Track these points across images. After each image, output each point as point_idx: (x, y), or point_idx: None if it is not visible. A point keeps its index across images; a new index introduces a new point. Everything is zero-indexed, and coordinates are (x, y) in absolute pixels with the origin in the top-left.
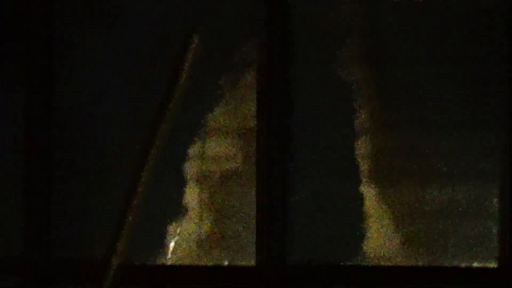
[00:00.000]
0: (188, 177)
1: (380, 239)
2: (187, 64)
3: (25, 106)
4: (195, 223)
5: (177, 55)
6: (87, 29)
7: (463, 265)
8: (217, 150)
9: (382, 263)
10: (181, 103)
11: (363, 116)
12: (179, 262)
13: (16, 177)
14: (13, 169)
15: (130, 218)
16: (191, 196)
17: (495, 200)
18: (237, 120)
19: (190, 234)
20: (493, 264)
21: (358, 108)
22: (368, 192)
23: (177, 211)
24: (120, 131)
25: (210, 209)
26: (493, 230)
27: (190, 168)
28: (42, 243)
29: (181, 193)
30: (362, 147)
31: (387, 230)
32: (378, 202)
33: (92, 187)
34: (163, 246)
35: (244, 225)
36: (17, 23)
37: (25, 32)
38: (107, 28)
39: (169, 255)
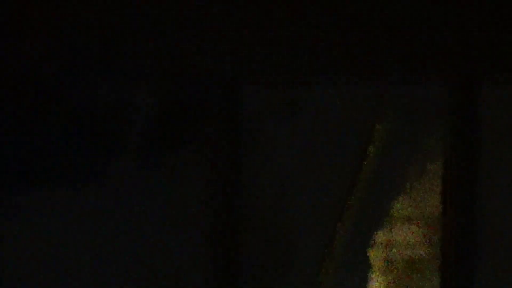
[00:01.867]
0: (374, 264)
1: None
2: (371, 151)
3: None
4: None
5: (361, 139)
6: (273, 119)
7: None
8: (402, 239)
9: None
10: (368, 191)
11: None
12: None
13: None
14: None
15: None
16: (377, 283)
17: None
18: (422, 209)
19: None
20: None
21: None
22: None
23: None
24: (306, 222)
25: None
26: None
27: (376, 256)
28: None
29: (366, 281)
30: None
31: None
32: None
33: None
34: None
35: None
36: (207, 109)
37: (214, 120)
38: (292, 118)
39: None
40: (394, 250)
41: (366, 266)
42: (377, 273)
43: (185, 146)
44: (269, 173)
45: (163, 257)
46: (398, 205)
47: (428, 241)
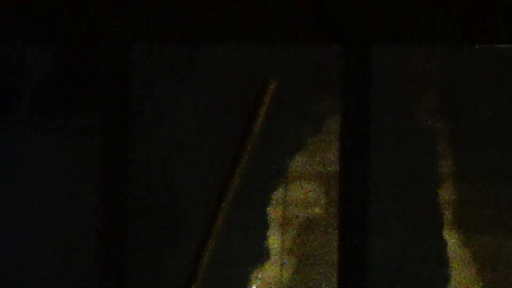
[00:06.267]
0: (270, 222)
1: (462, 286)
2: (265, 107)
3: (102, 156)
4: (276, 268)
5: (254, 100)
6: (164, 79)
7: None
8: (299, 196)
9: None
10: (263, 149)
11: (443, 166)
12: None
13: (93, 217)
14: (89, 209)
15: (205, 258)
16: (273, 241)
17: None
18: (318, 166)
19: (272, 279)
20: None
21: (438, 158)
22: (450, 239)
23: (259, 256)
24: (196, 178)
25: (291, 254)
26: None
27: (272, 213)
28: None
29: (263, 238)
30: (443, 197)
31: (469, 277)
32: (460, 249)
33: (167, 232)
34: None
35: (326, 270)
36: (95, 72)
37: (103, 81)
38: (184, 78)
39: None
40: (291, 207)
41: (263, 224)
42: (274, 231)
43: (75, 112)
44: (159, 137)
45: (52, 218)
46: (295, 162)
47: (325, 198)
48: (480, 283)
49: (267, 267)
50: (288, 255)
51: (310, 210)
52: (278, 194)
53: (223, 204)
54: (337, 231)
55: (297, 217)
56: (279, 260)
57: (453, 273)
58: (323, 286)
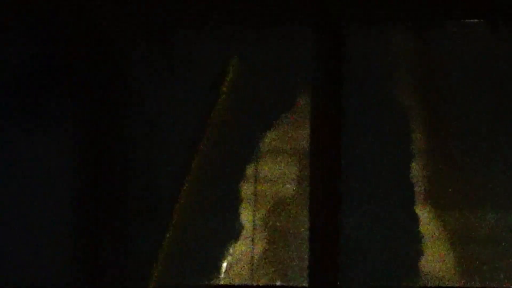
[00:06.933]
0: (242, 198)
1: (434, 261)
2: (226, 84)
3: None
4: (248, 244)
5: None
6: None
7: None
8: (270, 172)
9: (436, 284)
10: (234, 125)
11: (415, 143)
12: (231, 282)
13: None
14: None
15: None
16: (244, 217)
17: None
18: (290, 142)
19: (242, 255)
20: None
21: (411, 135)
22: (422, 215)
23: (231, 232)
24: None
25: (263, 230)
26: None
27: (244, 190)
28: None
29: (234, 214)
30: (415, 172)
31: (441, 252)
32: (432, 225)
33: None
34: (216, 266)
35: (297, 246)
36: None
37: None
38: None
39: (222, 275)
40: (262, 184)
41: (234, 200)
42: (245, 207)
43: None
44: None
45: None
46: (266, 139)
47: (297, 174)
48: (451, 259)
49: (238, 243)
50: (260, 231)
51: (281, 186)
52: (249, 170)
53: (190, 180)
54: (308, 207)
55: (268, 193)
56: (251, 236)
57: (424, 249)
58: (294, 262)
